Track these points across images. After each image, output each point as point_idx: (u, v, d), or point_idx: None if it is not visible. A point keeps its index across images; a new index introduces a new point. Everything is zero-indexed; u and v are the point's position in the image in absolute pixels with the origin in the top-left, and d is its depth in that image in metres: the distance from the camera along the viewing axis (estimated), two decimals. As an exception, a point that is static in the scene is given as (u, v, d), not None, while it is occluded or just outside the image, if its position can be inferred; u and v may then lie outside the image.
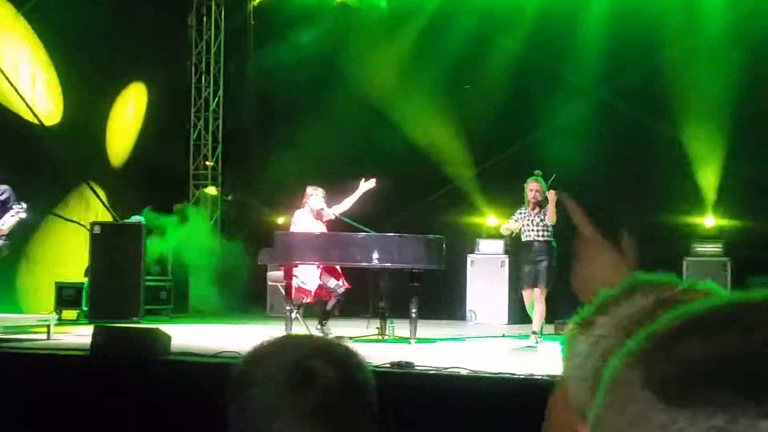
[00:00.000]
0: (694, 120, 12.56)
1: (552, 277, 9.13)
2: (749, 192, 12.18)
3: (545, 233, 9.28)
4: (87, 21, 12.94)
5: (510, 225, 9.56)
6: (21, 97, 12.09)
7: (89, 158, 13.47)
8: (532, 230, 9.33)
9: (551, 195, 9.11)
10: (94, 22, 13.01)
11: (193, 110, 15.28)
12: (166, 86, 14.70)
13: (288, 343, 1.43)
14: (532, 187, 9.39)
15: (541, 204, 9.30)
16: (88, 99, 13.15)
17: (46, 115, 12.68)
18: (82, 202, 13.22)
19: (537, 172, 9.45)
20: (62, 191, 12.85)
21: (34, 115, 12.32)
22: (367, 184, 10.03)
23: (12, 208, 9.05)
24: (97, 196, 13.07)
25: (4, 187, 9.12)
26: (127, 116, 14.28)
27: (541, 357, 8.06)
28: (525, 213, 9.41)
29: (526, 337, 9.28)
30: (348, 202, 9.92)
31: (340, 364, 1.38)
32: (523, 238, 9.42)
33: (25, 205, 9.11)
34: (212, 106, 15.30)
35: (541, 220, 9.26)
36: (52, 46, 12.72)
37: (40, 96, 12.63)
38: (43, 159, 12.17)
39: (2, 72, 11.86)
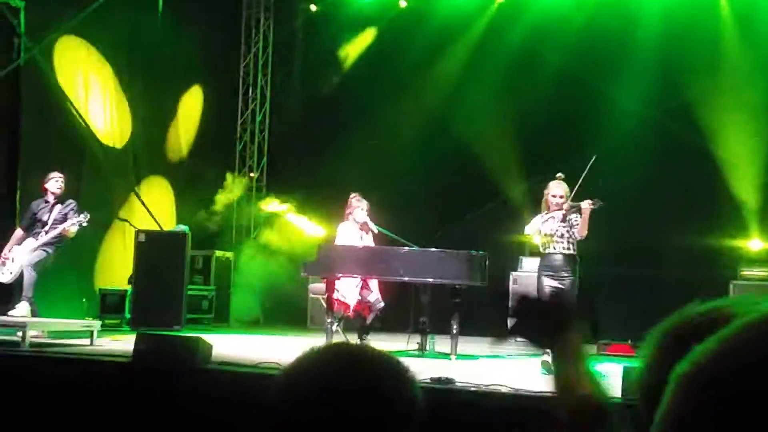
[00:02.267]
0: (743, 142, 12.40)
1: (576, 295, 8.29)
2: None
3: (571, 247, 8.32)
4: (145, 38, 13.20)
5: (536, 226, 8.51)
6: (89, 126, 12.41)
7: (143, 166, 13.69)
8: (557, 242, 8.36)
9: (587, 205, 8.14)
10: (151, 38, 13.25)
11: (239, 122, 15.39)
12: (216, 98, 14.87)
13: (337, 354, 1.40)
14: (557, 192, 8.37)
15: (568, 212, 8.28)
16: (151, 115, 13.46)
17: (117, 135, 13.05)
18: (128, 211, 13.36)
19: (560, 174, 8.50)
20: (111, 200, 13.01)
21: (96, 138, 12.63)
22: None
23: (76, 216, 10.00)
24: (143, 204, 13.18)
25: (71, 201, 10.18)
26: (186, 122, 14.48)
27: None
28: (548, 221, 8.40)
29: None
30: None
31: (394, 378, 1.35)
32: (544, 249, 8.46)
33: (88, 215, 10.06)
34: (258, 117, 15.39)
35: (568, 231, 8.31)
36: (116, 66, 12.98)
37: (111, 118, 12.94)
38: (99, 172, 12.50)
39: (75, 106, 12.17)
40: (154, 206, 13.34)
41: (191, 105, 14.64)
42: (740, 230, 12.39)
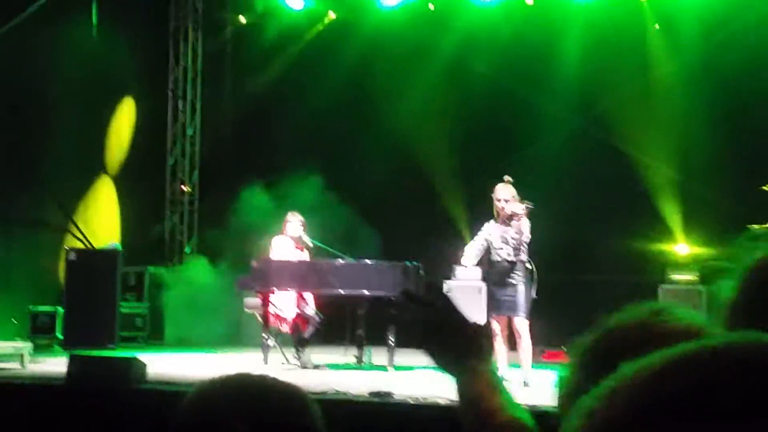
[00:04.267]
0: (667, 148, 12.68)
1: (530, 302, 8.28)
2: (721, 220, 12.28)
3: (521, 252, 8.22)
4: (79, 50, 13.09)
5: (471, 255, 8.47)
6: None
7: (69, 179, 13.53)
8: (505, 249, 8.27)
9: (524, 206, 8.07)
10: (86, 48, 13.14)
11: (170, 135, 15.23)
12: (147, 111, 14.72)
13: (225, 387, 1.43)
14: (503, 196, 8.21)
15: (511, 217, 8.20)
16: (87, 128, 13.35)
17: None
18: (57, 229, 13.15)
19: (507, 178, 8.33)
20: (36, 217, 12.79)
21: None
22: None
23: None
24: (73, 223, 13.00)
25: None
26: (119, 136, 14.33)
27: (528, 387, 8.03)
28: (493, 229, 8.35)
29: (512, 366, 8.46)
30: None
31: (297, 410, 1.38)
32: (494, 258, 8.36)
33: None
34: (189, 131, 15.25)
35: (515, 236, 8.19)
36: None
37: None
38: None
39: None
40: (95, 222, 13.19)
41: (123, 118, 14.48)
42: (667, 235, 12.66)
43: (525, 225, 8.15)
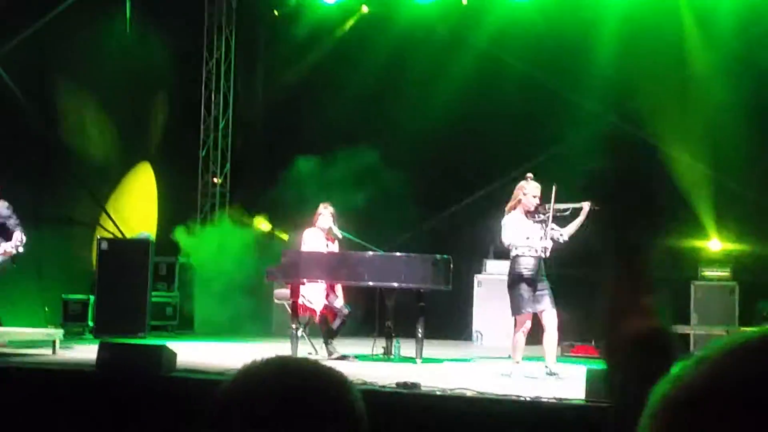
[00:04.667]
0: (702, 144, 12.57)
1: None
2: (753, 215, 12.18)
3: (546, 250, 8.14)
4: (114, 46, 13.21)
5: (524, 233, 8.18)
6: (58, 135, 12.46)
7: (104, 171, 13.66)
8: (540, 243, 8.13)
9: (586, 206, 7.96)
10: (120, 46, 13.25)
11: (202, 127, 15.30)
12: (180, 104, 14.82)
13: (268, 370, 1.42)
14: (537, 193, 8.21)
15: (538, 212, 8.19)
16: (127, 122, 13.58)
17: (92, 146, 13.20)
18: (91, 218, 13.29)
19: (530, 174, 8.39)
20: (71, 206, 12.91)
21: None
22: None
23: (14, 231, 9.34)
24: (105, 212, 13.10)
25: (4, 202, 9.44)
26: (153, 130, 14.47)
27: (549, 379, 8.02)
28: (527, 222, 8.23)
29: (537, 359, 8.50)
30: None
31: (336, 392, 1.37)
32: (533, 253, 8.17)
33: (24, 239, 9.35)
34: (221, 124, 15.31)
35: (550, 232, 8.12)
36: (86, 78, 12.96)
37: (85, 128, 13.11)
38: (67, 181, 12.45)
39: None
40: (129, 212, 13.32)
41: (158, 111, 14.59)
42: (699, 231, 12.55)
43: (578, 223, 8.15)
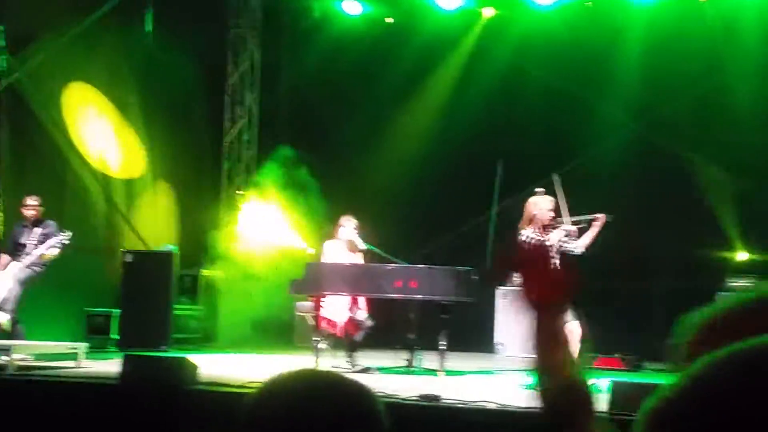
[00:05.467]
0: (729, 153, 12.47)
1: None
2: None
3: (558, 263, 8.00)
4: (136, 59, 13.31)
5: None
6: (78, 151, 12.64)
7: (132, 188, 13.75)
8: (553, 257, 8.01)
9: (602, 218, 8.03)
10: (142, 59, 13.37)
11: (226, 140, 15.34)
12: (204, 116, 14.89)
13: (296, 382, 1.42)
14: (551, 207, 8.15)
15: (549, 227, 8.12)
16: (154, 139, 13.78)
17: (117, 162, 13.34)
18: (112, 231, 13.36)
19: (541, 189, 8.35)
20: (91, 220, 12.98)
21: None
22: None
23: (56, 236, 9.89)
24: (129, 225, 13.16)
25: (52, 222, 10.11)
26: (176, 142, 14.57)
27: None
28: (540, 237, 8.12)
29: None
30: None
31: (361, 405, 1.37)
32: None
33: (69, 233, 9.96)
34: (245, 136, 15.35)
35: (564, 246, 8.07)
36: (108, 90, 13.09)
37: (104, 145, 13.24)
38: (86, 197, 12.55)
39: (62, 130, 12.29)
40: (151, 225, 13.41)
41: (182, 124, 14.67)
42: (725, 241, 12.44)
43: (593, 234, 8.10)
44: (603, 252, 8.64)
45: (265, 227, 13.58)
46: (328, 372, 1.45)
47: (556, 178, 8.40)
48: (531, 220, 8.18)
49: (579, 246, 8.14)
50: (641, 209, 12.39)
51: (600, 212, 8.10)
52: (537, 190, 8.33)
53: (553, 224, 8.14)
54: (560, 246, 8.08)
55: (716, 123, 12.56)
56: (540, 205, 8.16)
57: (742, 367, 0.76)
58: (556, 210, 8.16)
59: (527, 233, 8.15)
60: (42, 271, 10.00)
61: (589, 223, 8.13)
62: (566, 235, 8.12)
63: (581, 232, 8.19)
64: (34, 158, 11.80)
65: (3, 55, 11.21)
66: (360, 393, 1.40)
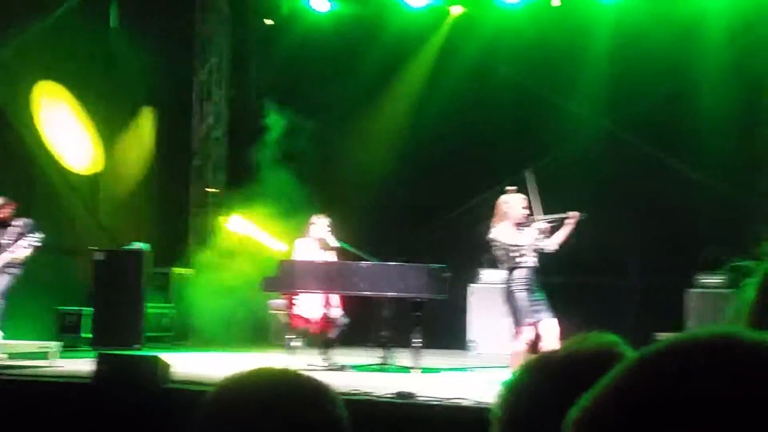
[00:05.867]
0: (694, 150, 12.60)
1: None
2: (746, 222, 12.18)
3: (537, 260, 8.13)
4: (98, 55, 13.21)
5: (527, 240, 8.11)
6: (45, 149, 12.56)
7: (97, 184, 13.66)
8: (531, 255, 8.09)
9: (575, 216, 8.04)
10: (104, 54, 13.26)
11: (195, 137, 15.25)
12: (170, 113, 14.80)
13: (253, 382, 1.42)
14: (524, 204, 8.12)
15: (524, 224, 8.11)
16: (113, 135, 13.64)
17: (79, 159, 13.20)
18: (85, 228, 13.29)
19: (512, 187, 8.32)
20: (62, 218, 12.90)
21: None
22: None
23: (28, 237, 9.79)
24: (98, 223, 13.11)
25: (26, 220, 10.00)
26: (142, 139, 14.46)
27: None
28: (516, 233, 8.10)
29: None
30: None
31: (319, 402, 1.37)
32: (527, 263, 8.06)
33: (41, 235, 9.86)
34: (215, 133, 15.28)
35: (537, 242, 8.08)
36: (70, 85, 12.97)
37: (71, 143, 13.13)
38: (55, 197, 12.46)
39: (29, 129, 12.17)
40: (122, 224, 13.33)
41: (146, 121, 14.59)
42: (695, 238, 12.55)
43: (566, 232, 8.11)
44: (574, 248, 8.69)
45: (239, 227, 13.59)
46: (288, 371, 1.44)
47: (529, 174, 8.34)
48: (502, 218, 8.17)
49: (552, 244, 8.13)
50: (610, 206, 12.48)
51: (572, 210, 8.10)
52: (508, 188, 8.28)
53: (527, 222, 8.12)
54: (533, 244, 8.09)
55: (683, 121, 12.69)
56: (512, 203, 8.13)
57: (656, 370, 0.76)
58: (529, 207, 8.16)
59: (497, 232, 8.14)
60: (19, 272, 9.91)
61: (562, 221, 8.12)
62: (539, 233, 8.12)
63: (554, 229, 8.20)
64: (1, 157, 11.72)
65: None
66: (320, 395, 1.38)
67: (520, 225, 8.15)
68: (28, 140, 12.30)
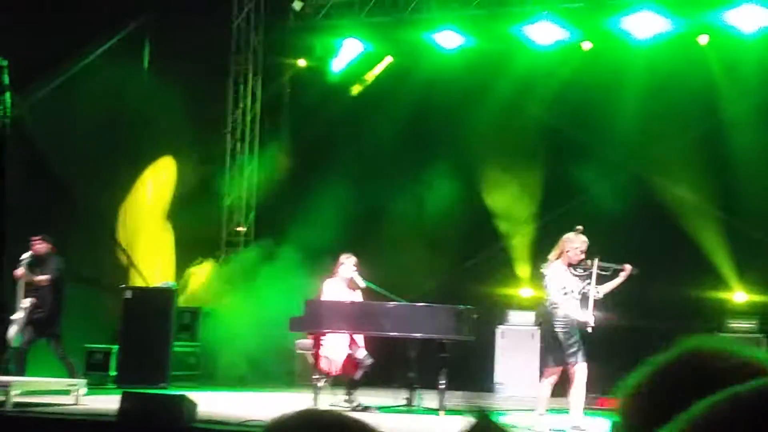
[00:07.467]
0: (725, 193, 12.50)
1: None
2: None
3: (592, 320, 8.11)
4: (132, 96, 13.38)
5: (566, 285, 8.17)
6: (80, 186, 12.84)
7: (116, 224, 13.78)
8: (575, 299, 8.15)
9: (629, 270, 8.16)
10: (137, 96, 13.43)
11: (227, 176, 15.35)
12: (205, 152, 14.90)
13: (299, 423, 1.42)
14: (584, 247, 8.18)
15: (577, 265, 8.18)
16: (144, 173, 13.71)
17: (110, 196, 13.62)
18: (114, 268, 13.37)
19: (580, 227, 8.31)
20: (94, 256, 12.99)
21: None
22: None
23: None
24: (129, 261, 13.16)
25: (56, 258, 10.51)
26: (158, 186, 14.54)
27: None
28: (568, 275, 8.17)
29: (560, 412, 8.46)
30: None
31: None
32: (572, 306, 8.11)
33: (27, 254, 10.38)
34: (246, 172, 15.36)
35: (588, 289, 8.14)
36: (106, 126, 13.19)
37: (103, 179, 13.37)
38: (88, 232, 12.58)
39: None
40: (149, 263, 13.37)
41: (178, 159, 14.70)
42: (725, 282, 12.42)
43: (616, 284, 8.21)
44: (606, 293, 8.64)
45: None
46: (327, 411, 1.44)
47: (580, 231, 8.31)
48: (560, 255, 8.23)
49: (601, 291, 8.19)
50: (640, 249, 12.38)
51: (625, 262, 8.19)
52: (577, 227, 8.31)
53: (581, 265, 8.18)
54: (582, 288, 8.14)
55: (713, 164, 12.58)
56: (574, 243, 8.19)
57: (743, 409, 0.76)
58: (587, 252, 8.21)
59: (551, 270, 8.18)
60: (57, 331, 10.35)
61: (616, 272, 8.20)
62: (588, 280, 8.17)
63: (605, 279, 8.24)
64: (39, 194, 11.85)
65: (7, 93, 11.28)
66: (361, 430, 1.39)
67: (573, 266, 8.18)
68: (66, 179, 12.47)
